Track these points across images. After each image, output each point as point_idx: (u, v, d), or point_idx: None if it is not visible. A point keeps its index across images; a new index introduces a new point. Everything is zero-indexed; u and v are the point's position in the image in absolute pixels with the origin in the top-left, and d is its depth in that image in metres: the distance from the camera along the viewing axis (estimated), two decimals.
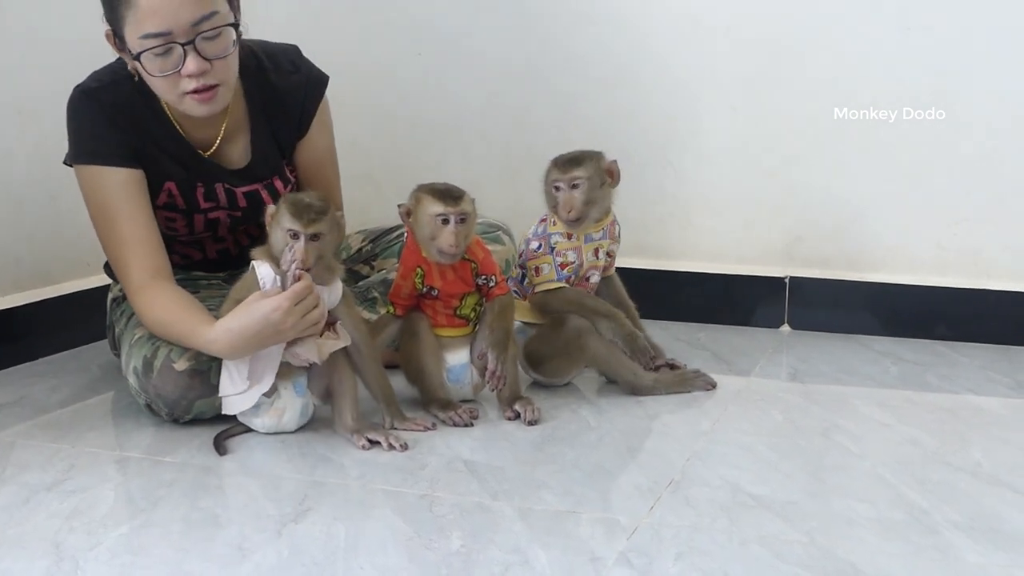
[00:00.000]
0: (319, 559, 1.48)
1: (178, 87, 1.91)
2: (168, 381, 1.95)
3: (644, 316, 2.32)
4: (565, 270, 2.13)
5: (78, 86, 2.04)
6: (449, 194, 1.98)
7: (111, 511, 1.64)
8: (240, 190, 2.13)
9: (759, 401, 2.15)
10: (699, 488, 1.70)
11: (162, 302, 1.97)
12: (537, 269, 2.15)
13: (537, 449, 1.89)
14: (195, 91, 1.90)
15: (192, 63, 1.87)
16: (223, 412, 1.93)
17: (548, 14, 2.84)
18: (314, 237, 1.84)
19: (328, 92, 2.23)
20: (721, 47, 2.71)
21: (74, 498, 1.69)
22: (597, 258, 2.19)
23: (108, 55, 2.10)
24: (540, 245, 2.15)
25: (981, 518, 1.59)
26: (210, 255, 2.24)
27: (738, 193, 2.75)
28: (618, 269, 2.34)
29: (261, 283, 1.86)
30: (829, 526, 1.57)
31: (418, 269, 2.02)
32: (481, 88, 2.93)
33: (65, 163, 2.10)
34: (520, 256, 2.19)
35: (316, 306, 1.84)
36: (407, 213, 2.00)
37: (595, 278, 2.21)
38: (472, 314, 2.07)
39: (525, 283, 2.19)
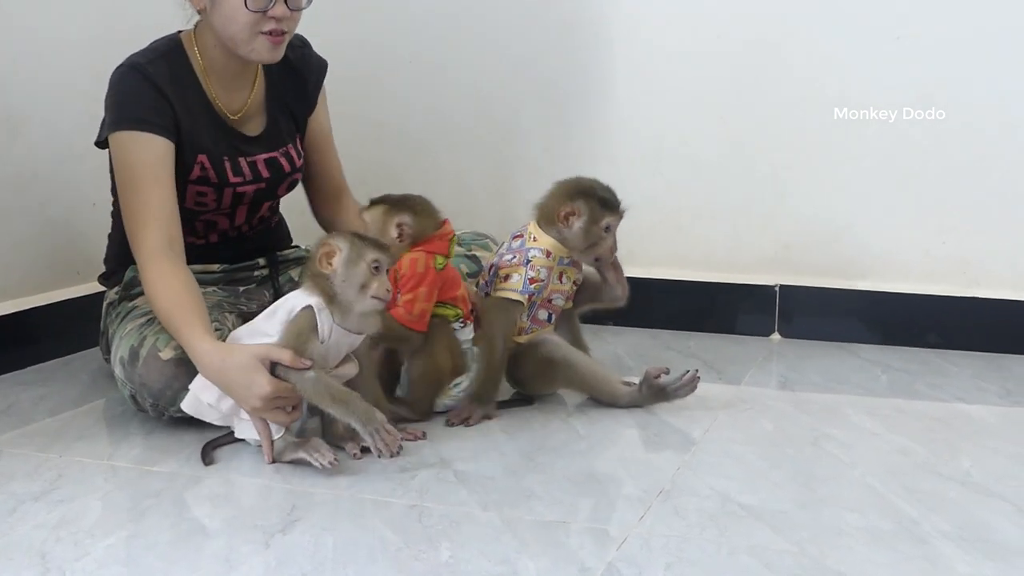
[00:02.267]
0: (307, 570, 1.47)
1: (258, 26, 2.04)
2: (153, 370, 1.97)
3: (634, 325, 2.32)
4: (532, 285, 2.10)
5: (123, 63, 2.10)
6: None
7: (99, 521, 1.63)
8: (260, 158, 2.20)
9: (749, 410, 2.15)
10: (689, 498, 1.70)
11: (172, 284, 1.97)
12: (506, 276, 2.12)
13: (527, 459, 1.88)
14: (271, 32, 2.05)
15: (280, 7, 2.03)
16: (182, 405, 1.91)
17: (538, 23, 2.85)
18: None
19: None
20: (711, 55, 2.71)
21: (61, 508, 1.68)
22: (561, 283, 2.16)
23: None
24: (515, 257, 2.13)
25: (970, 528, 1.59)
26: (211, 239, 2.25)
27: (728, 202, 2.76)
28: None
29: (320, 328, 1.83)
30: (819, 536, 1.56)
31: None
32: (471, 97, 2.93)
33: (99, 142, 2.14)
34: (490, 269, 2.16)
35: (294, 407, 1.85)
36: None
37: (558, 302, 2.19)
38: None
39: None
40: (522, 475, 1.80)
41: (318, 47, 2.36)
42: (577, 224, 2.12)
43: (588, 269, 2.23)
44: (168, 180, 2.06)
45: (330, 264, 1.84)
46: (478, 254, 2.39)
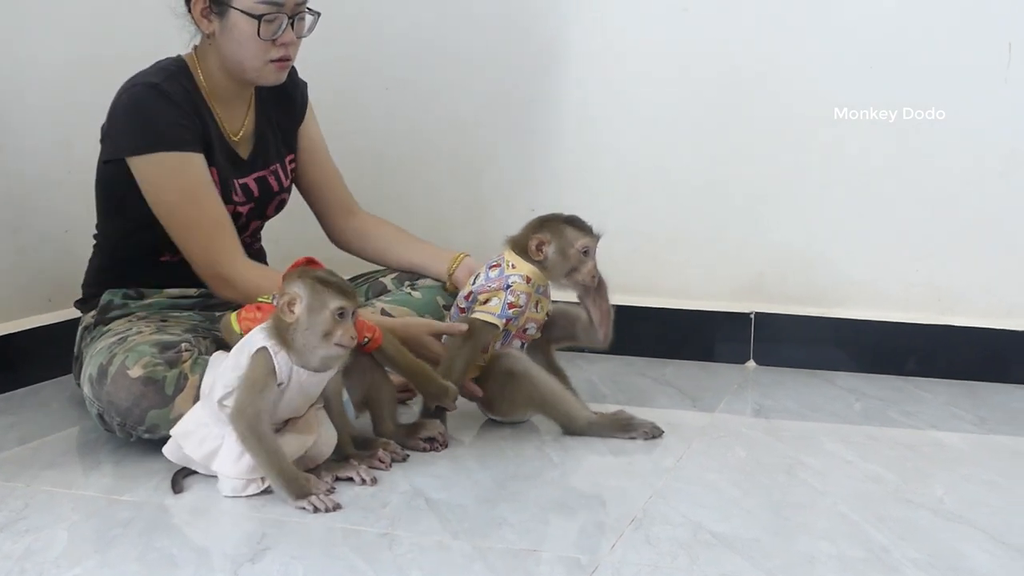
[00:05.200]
0: None
1: (268, 54, 2.13)
2: (121, 388, 1.95)
3: (609, 352, 2.29)
4: (511, 310, 2.11)
5: (137, 83, 2.13)
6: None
7: (65, 552, 1.61)
8: (251, 178, 2.25)
9: (723, 437, 2.15)
10: (661, 526, 1.69)
11: (270, 270, 2.18)
12: (486, 300, 2.12)
13: (499, 486, 1.87)
14: (280, 59, 2.15)
15: (288, 33, 2.14)
16: (164, 451, 1.88)
17: (517, 50, 2.86)
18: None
19: None
20: (687, 84, 2.73)
21: (27, 538, 1.66)
22: (536, 311, 2.16)
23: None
24: (495, 284, 2.12)
25: (942, 556, 1.58)
26: None
27: (703, 229, 2.76)
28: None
29: (278, 370, 1.77)
30: (790, 564, 1.56)
31: None
32: (449, 124, 2.94)
33: (113, 158, 2.13)
34: (468, 297, 2.15)
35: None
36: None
37: (532, 330, 2.18)
38: None
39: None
40: (494, 503, 1.79)
41: (300, 70, 2.38)
42: (550, 251, 2.12)
43: (573, 309, 2.23)
44: (218, 193, 2.15)
45: (292, 311, 1.77)
46: None
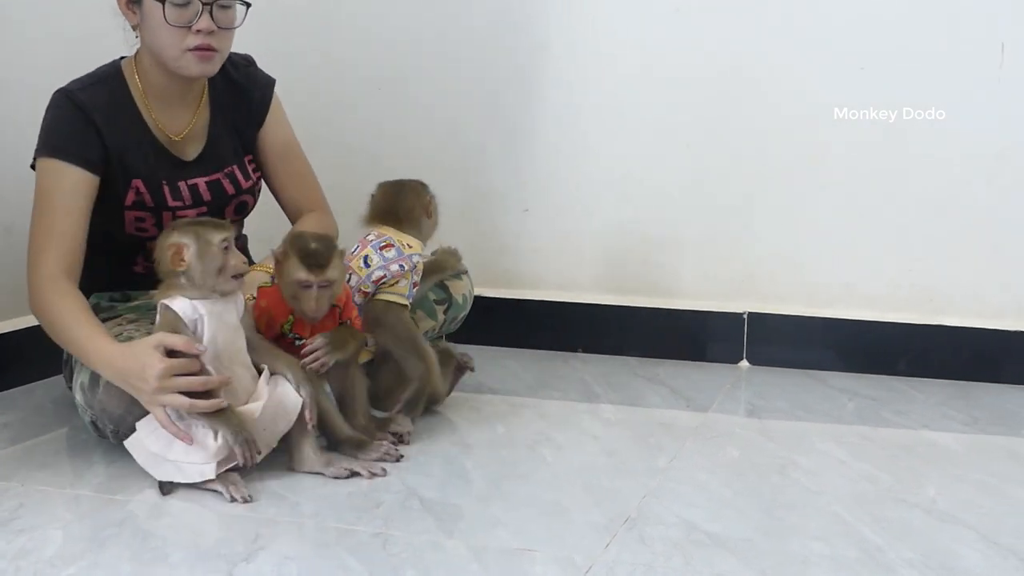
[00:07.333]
0: None
1: (184, 42, 2.04)
2: (113, 396, 1.94)
3: (603, 352, 2.31)
4: (415, 289, 2.14)
5: (59, 89, 2.10)
6: (315, 260, 1.94)
7: (59, 551, 1.61)
8: (201, 180, 2.18)
9: (716, 437, 2.15)
10: (654, 526, 1.69)
11: (70, 303, 1.99)
12: (395, 283, 2.11)
13: (493, 486, 1.88)
14: (198, 48, 2.04)
15: (205, 20, 2.03)
16: (125, 443, 1.89)
17: (506, 49, 2.86)
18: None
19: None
20: (677, 84, 2.73)
21: (22, 537, 1.66)
22: None
23: (44, 94, 2.09)
24: (402, 266, 2.11)
25: (935, 556, 1.59)
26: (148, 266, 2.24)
27: (696, 228, 2.76)
28: (570, 304, 2.31)
29: (184, 317, 1.85)
30: (783, 564, 1.56)
31: (289, 317, 2.00)
32: (440, 124, 2.93)
33: (32, 166, 2.13)
34: (377, 281, 2.10)
35: (201, 394, 1.83)
36: (277, 262, 2.00)
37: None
38: None
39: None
40: (488, 503, 1.80)
41: (287, 72, 2.36)
42: (432, 210, 2.24)
43: None
44: (79, 211, 2.05)
45: (183, 261, 1.84)
46: (446, 282, 2.39)
